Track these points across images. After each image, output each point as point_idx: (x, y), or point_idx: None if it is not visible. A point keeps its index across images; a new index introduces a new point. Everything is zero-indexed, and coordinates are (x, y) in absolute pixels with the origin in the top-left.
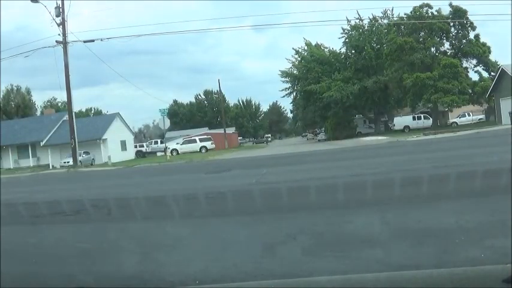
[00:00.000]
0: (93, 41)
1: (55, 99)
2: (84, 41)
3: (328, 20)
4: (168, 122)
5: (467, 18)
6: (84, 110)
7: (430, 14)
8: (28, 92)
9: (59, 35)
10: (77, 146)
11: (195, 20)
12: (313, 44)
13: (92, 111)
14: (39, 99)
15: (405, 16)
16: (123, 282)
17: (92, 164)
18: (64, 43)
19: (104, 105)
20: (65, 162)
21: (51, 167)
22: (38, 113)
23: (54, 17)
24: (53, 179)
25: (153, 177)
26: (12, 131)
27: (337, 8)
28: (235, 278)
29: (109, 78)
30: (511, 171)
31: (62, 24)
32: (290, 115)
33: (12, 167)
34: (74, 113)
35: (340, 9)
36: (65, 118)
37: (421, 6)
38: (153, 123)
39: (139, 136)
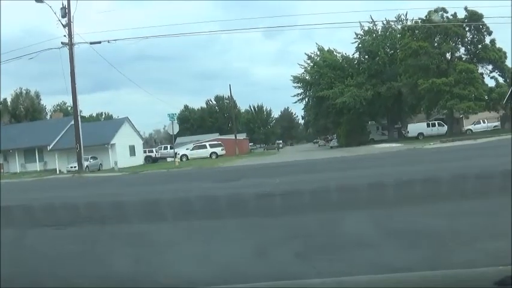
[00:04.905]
0: (99, 42)
1: (65, 103)
2: (91, 43)
3: (340, 22)
4: (177, 127)
5: (483, 22)
6: (94, 114)
7: (445, 18)
8: (37, 95)
9: (65, 36)
10: (82, 150)
11: (204, 22)
12: (326, 49)
13: (103, 116)
14: (49, 103)
15: (419, 20)
16: (117, 284)
17: (99, 169)
18: (70, 45)
19: (115, 110)
20: (71, 167)
21: (58, 171)
22: (48, 117)
23: (60, 18)
24: (50, 185)
25: (156, 186)
26: (19, 135)
27: (349, 10)
28: (228, 280)
29: (120, 83)
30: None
31: (68, 25)
32: (301, 121)
33: (18, 171)
34: (80, 117)
35: (351, 10)
36: (72, 122)
37: (436, 10)
38: (163, 128)
39: (150, 141)
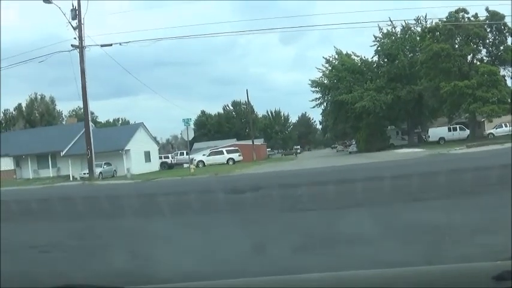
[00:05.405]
0: (111, 45)
1: (80, 108)
2: (102, 45)
3: (358, 21)
4: (192, 133)
5: (505, 23)
6: (111, 120)
7: (466, 20)
8: (52, 101)
9: (75, 38)
10: (93, 157)
11: (218, 22)
12: (344, 53)
13: (120, 122)
14: (66, 109)
15: (440, 22)
16: (114, 279)
17: (113, 176)
18: (80, 47)
19: (132, 116)
20: (84, 174)
21: (71, 178)
22: (64, 122)
23: (70, 20)
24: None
25: (162, 197)
26: (32, 140)
27: (367, 9)
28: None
29: (138, 89)
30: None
31: (78, 27)
32: (319, 126)
33: (31, 177)
34: (94, 122)
35: (369, 10)
36: None
37: (457, 11)
38: (180, 134)
39: (167, 147)
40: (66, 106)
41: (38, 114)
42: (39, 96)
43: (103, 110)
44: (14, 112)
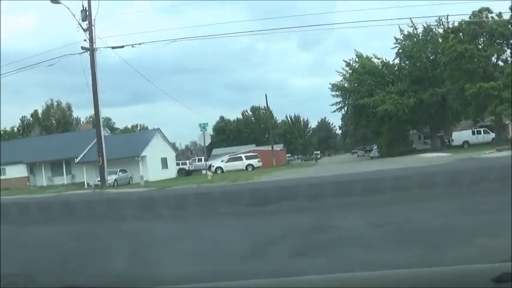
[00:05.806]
0: (122, 46)
1: None
2: (113, 47)
3: (378, 19)
4: (208, 138)
5: None
6: (130, 126)
7: (490, 19)
8: (69, 107)
9: (85, 40)
10: (105, 164)
11: (232, 22)
12: (364, 55)
13: (138, 128)
14: (84, 115)
15: (463, 22)
16: (113, 281)
17: (129, 183)
18: (91, 49)
19: (151, 122)
20: (98, 181)
21: (86, 185)
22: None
23: (80, 21)
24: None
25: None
26: (46, 147)
27: (385, 6)
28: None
29: (158, 95)
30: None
31: (89, 29)
32: (339, 131)
33: (45, 185)
34: (106, 128)
35: (388, 7)
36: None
37: (481, 11)
38: (198, 139)
39: (186, 153)
40: (84, 113)
41: (54, 121)
42: (56, 103)
43: (122, 116)
44: (30, 119)
